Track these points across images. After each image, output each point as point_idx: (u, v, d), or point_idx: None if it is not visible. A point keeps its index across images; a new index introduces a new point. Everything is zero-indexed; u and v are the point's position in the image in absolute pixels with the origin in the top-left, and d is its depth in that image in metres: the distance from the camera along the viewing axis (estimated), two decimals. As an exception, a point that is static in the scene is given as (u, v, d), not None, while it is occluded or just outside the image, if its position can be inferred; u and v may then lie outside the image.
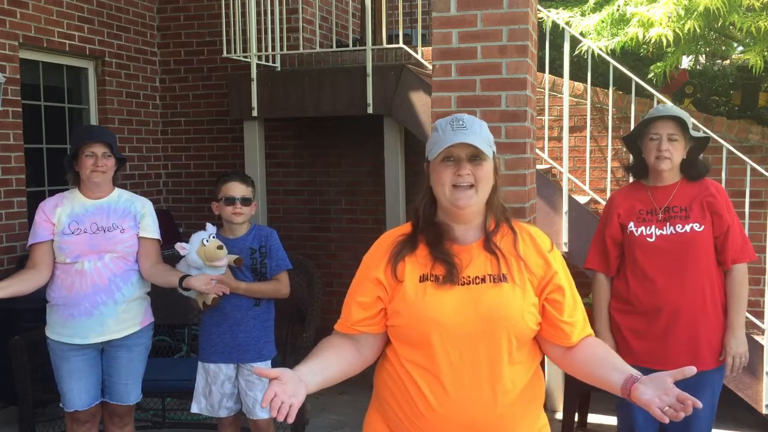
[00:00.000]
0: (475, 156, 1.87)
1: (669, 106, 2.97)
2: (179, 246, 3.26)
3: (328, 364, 1.87)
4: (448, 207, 1.91)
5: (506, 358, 1.83)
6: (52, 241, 3.24)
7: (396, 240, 1.95)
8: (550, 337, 1.92)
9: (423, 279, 1.87)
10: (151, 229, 3.37)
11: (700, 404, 1.58)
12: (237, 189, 3.36)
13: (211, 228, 3.30)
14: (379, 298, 1.91)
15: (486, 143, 1.88)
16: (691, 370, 1.63)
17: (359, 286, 1.96)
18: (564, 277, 1.92)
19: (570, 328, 1.90)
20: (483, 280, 1.86)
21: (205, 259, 3.22)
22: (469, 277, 1.86)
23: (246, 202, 3.37)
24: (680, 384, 2.86)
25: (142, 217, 3.35)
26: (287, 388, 1.66)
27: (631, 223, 2.97)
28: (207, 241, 3.22)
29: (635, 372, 1.75)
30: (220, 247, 3.23)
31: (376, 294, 1.91)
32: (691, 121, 2.95)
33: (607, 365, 1.84)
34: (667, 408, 1.60)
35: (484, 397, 1.82)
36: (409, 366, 1.86)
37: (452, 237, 1.92)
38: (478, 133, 1.87)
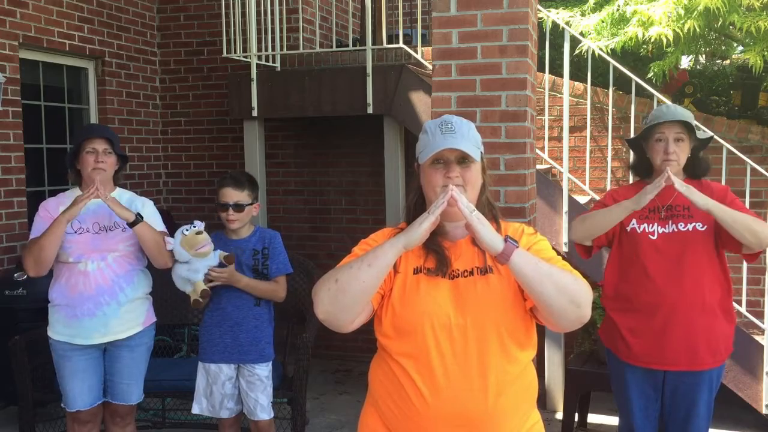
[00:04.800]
0: (464, 159, 1.92)
1: (673, 110, 2.94)
2: (167, 240, 3.25)
3: None
4: None
5: (497, 350, 1.86)
6: None
7: (394, 233, 1.97)
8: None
9: (416, 271, 1.93)
10: (153, 221, 3.34)
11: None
12: (230, 195, 3.33)
13: (198, 223, 3.29)
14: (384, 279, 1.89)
15: (474, 145, 1.93)
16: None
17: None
18: (532, 248, 1.92)
19: None
20: (471, 273, 1.91)
21: (188, 247, 3.21)
22: (458, 270, 1.92)
23: (238, 208, 3.33)
24: (678, 383, 2.91)
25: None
26: None
27: (633, 221, 2.97)
28: (187, 231, 3.23)
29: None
30: (199, 233, 3.23)
31: None
32: (695, 122, 2.95)
33: None
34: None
35: (475, 389, 1.84)
36: (401, 359, 1.89)
37: (442, 234, 1.96)
38: (467, 136, 1.93)
